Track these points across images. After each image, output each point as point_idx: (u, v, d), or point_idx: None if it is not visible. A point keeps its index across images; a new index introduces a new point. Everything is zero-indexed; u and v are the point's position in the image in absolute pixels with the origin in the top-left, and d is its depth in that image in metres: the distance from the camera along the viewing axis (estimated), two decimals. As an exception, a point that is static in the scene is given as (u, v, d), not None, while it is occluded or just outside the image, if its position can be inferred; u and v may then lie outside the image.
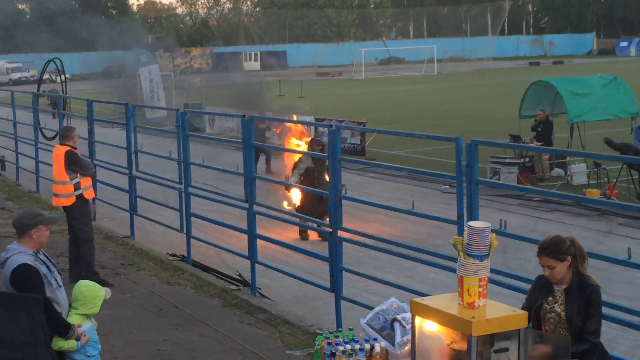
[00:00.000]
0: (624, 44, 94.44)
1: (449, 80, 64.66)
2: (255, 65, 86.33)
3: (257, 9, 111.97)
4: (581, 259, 5.54)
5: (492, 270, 7.35)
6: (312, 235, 14.55)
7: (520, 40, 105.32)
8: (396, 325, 5.69)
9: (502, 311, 4.76)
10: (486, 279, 4.86)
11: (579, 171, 19.94)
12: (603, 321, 6.84)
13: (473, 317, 4.60)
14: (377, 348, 5.60)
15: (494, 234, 4.93)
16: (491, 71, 74.43)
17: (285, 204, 15.55)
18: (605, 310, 6.58)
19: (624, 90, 21.28)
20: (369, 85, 61.77)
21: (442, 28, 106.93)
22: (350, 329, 6.02)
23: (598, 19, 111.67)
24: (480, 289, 4.81)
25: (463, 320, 4.60)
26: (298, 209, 14.59)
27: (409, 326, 5.45)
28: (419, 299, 4.99)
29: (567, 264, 5.45)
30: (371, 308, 6.64)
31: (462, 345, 4.66)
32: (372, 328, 5.77)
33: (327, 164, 13.89)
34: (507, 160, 20.05)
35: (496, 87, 52.59)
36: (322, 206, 13.64)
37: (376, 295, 10.32)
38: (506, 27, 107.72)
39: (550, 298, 5.52)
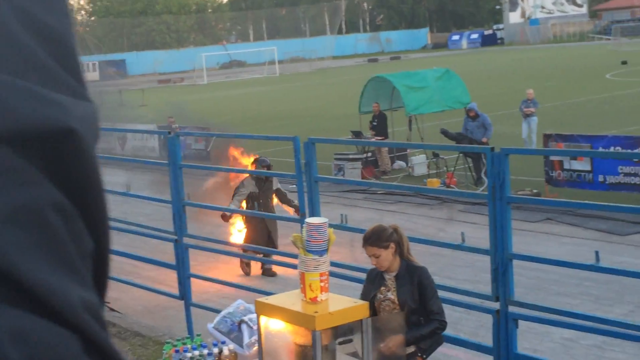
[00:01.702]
0: (455, 37, 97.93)
1: (291, 80, 65.24)
2: (94, 75, 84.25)
3: (93, 18, 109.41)
4: (406, 245, 5.73)
5: (340, 265, 7.52)
6: (255, 269, 12.53)
7: (358, 38, 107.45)
8: (243, 326, 5.72)
9: (344, 303, 4.87)
10: (327, 273, 4.95)
11: (419, 162, 20.55)
12: (447, 305, 7.10)
13: (316, 312, 4.68)
14: (226, 351, 5.61)
15: (332, 229, 5.03)
16: (332, 70, 75.60)
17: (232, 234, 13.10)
18: (448, 294, 6.84)
19: (457, 81, 22.11)
20: (211, 89, 61.49)
21: (281, 29, 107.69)
22: (197, 335, 6.00)
23: (430, 14, 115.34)
24: (322, 284, 4.90)
25: (306, 316, 4.68)
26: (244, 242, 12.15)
27: (256, 327, 5.48)
28: (262, 299, 5.04)
29: (392, 251, 5.62)
30: (223, 312, 6.64)
31: (307, 340, 4.73)
32: (220, 332, 5.77)
33: (274, 187, 12.30)
34: (351, 156, 20.45)
35: (337, 85, 53.46)
36: (271, 237, 12.04)
37: (229, 300, 10.29)
38: (344, 26, 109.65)
39: (382, 287, 5.69)
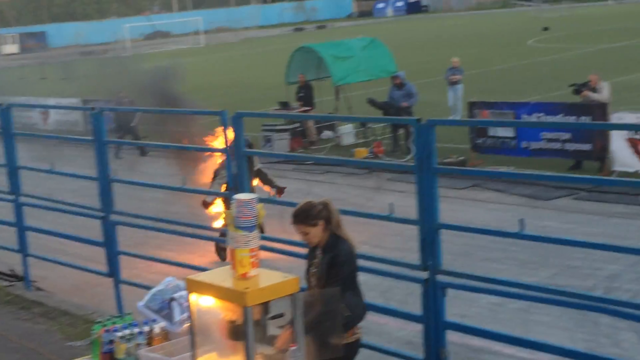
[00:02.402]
0: (381, 5, 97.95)
1: (217, 51, 64.61)
2: (13, 48, 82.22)
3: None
4: (335, 220, 5.64)
5: (271, 239, 7.52)
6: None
7: (284, 7, 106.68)
8: (174, 304, 5.69)
9: (275, 278, 4.85)
10: (257, 249, 4.93)
11: (347, 132, 20.64)
12: (377, 275, 7.15)
13: (247, 288, 4.66)
14: (157, 329, 5.58)
15: (262, 204, 5.01)
16: (258, 40, 75.01)
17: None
18: (377, 265, 6.91)
19: (383, 50, 22.22)
20: (136, 61, 60.45)
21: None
22: (128, 314, 5.95)
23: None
24: (253, 259, 4.88)
25: (237, 292, 4.66)
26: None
27: (187, 304, 5.45)
28: (193, 276, 5.00)
29: (321, 228, 5.58)
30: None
31: (239, 317, 4.72)
32: (151, 310, 5.73)
33: (255, 167, 11.56)
34: (278, 127, 20.40)
35: (264, 55, 53.16)
36: None
37: (159, 275, 10.19)
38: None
39: (314, 260, 5.69)
